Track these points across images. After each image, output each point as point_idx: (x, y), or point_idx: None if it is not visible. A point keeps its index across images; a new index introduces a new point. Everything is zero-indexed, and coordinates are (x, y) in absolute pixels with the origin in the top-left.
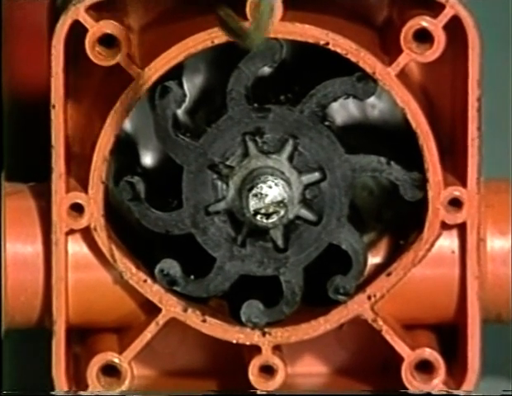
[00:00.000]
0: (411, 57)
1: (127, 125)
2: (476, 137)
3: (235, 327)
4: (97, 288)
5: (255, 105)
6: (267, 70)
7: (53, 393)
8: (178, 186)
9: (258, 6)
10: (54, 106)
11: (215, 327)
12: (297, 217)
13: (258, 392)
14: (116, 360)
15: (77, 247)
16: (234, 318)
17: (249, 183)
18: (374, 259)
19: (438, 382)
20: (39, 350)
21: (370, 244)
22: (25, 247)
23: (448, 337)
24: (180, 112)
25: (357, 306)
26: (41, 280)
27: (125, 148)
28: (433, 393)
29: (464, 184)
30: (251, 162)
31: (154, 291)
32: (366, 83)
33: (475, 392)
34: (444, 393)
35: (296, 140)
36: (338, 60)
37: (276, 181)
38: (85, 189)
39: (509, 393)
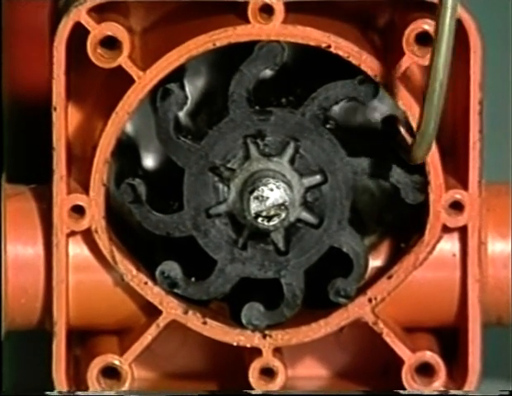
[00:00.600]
0: (413, 60)
1: (128, 128)
2: (477, 140)
3: (236, 329)
4: (98, 290)
5: (257, 107)
6: (268, 73)
7: (52, 393)
8: (179, 188)
9: (420, 126)
10: (55, 108)
11: (216, 330)
12: (298, 220)
13: (257, 392)
14: (117, 363)
15: (77, 249)
16: (234, 320)
17: (250, 186)
18: (375, 262)
19: (438, 385)
20: (39, 352)
21: (371, 247)
22: (25, 249)
23: (449, 339)
24: (181, 114)
25: (358, 309)
26: (42, 281)
27: (126, 151)
28: (431, 393)
29: (465, 187)
30: (252, 164)
31: (154, 293)
32: (367, 86)
33: (472, 393)
34: (440, 393)
35: (298, 143)
36: (339, 63)
37: (277, 183)
38: (86, 191)
39: (507, 392)
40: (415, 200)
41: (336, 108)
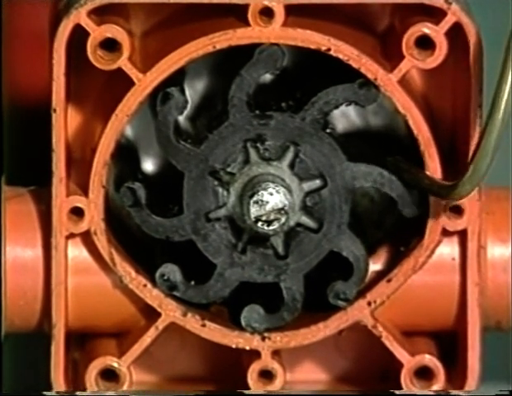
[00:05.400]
0: (413, 63)
1: (128, 131)
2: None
3: (235, 331)
4: (97, 292)
5: (257, 112)
6: (268, 77)
7: (51, 392)
8: (179, 192)
9: (473, 160)
10: (55, 110)
11: (215, 332)
12: (298, 224)
13: (255, 392)
14: (115, 365)
15: (77, 251)
16: (234, 322)
17: (250, 190)
18: (374, 265)
19: (437, 388)
20: (38, 354)
21: (370, 251)
22: (25, 251)
23: (448, 343)
24: (181, 118)
25: (357, 312)
26: (41, 284)
27: (126, 154)
28: (430, 393)
29: None
30: (252, 168)
31: (153, 296)
32: (368, 90)
33: (472, 393)
34: (439, 393)
35: (298, 147)
36: (340, 67)
37: (277, 188)
38: (85, 193)
39: (507, 393)
40: (412, 214)
41: (336, 112)
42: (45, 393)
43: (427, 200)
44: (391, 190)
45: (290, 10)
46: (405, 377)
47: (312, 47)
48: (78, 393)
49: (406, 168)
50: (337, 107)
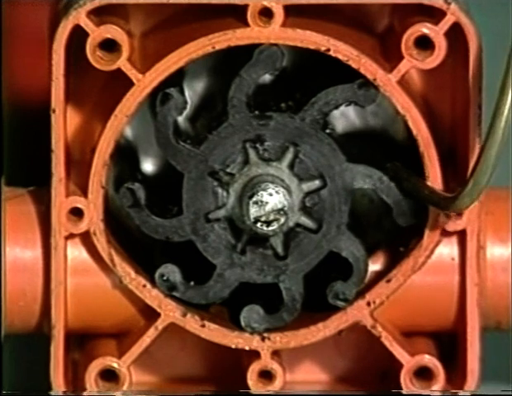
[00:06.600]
0: (412, 64)
1: (128, 132)
2: (476, 144)
3: (234, 332)
4: (97, 292)
5: (256, 112)
6: (268, 77)
7: (52, 392)
8: (179, 192)
9: (474, 174)
10: (54, 111)
11: (214, 332)
12: (297, 224)
13: (255, 392)
14: (115, 365)
15: (76, 252)
16: (234, 323)
17: (250, 191)
18: (374, 266)
19: (437, 389)
20: (38, 354)
21: (370, 251)
22: (24, 252)
23: (448, 343)
24: (181, 119)
25: (357, 312)
26: (40, 284)
27: (125, 155)
28: (430, 393)
29: None
30: (251, 169)
31: (153, 296)
32: (367, 90)
33: (473, 392)
34: (439, 393)
35: (297, 148)
36: (339, 67)
37: (276, 188)
38: (85, 193)
39: (508, 393)
40: (406, 223)
41: (336, 113)
42: (50, 392)
43: (423, 210)
44: (387, 197)
45: (289, 10)
46: (404, 377)
47: (311, 47)
48: (85, 393)
49: (406, 177)
50: (336, 108)
